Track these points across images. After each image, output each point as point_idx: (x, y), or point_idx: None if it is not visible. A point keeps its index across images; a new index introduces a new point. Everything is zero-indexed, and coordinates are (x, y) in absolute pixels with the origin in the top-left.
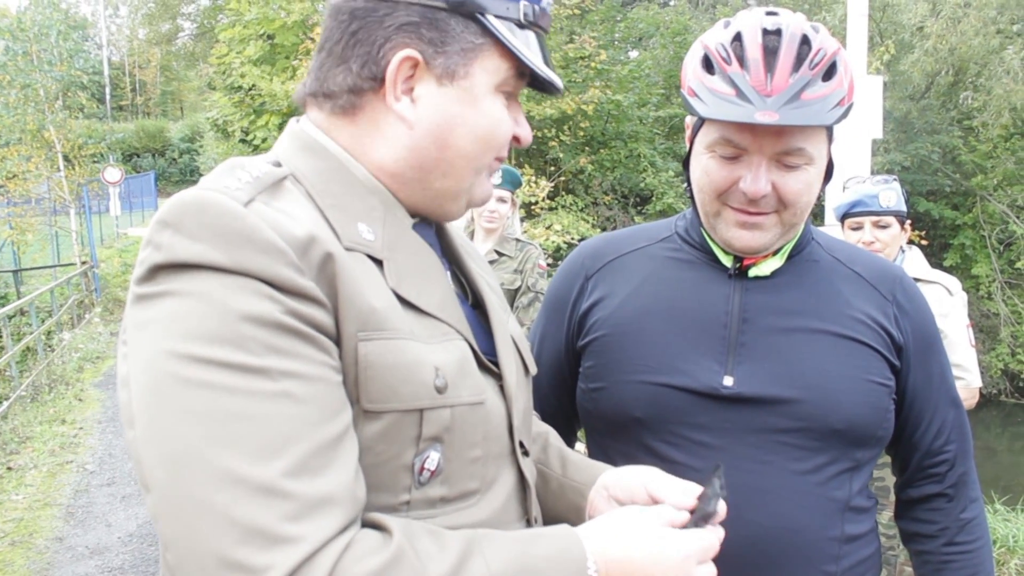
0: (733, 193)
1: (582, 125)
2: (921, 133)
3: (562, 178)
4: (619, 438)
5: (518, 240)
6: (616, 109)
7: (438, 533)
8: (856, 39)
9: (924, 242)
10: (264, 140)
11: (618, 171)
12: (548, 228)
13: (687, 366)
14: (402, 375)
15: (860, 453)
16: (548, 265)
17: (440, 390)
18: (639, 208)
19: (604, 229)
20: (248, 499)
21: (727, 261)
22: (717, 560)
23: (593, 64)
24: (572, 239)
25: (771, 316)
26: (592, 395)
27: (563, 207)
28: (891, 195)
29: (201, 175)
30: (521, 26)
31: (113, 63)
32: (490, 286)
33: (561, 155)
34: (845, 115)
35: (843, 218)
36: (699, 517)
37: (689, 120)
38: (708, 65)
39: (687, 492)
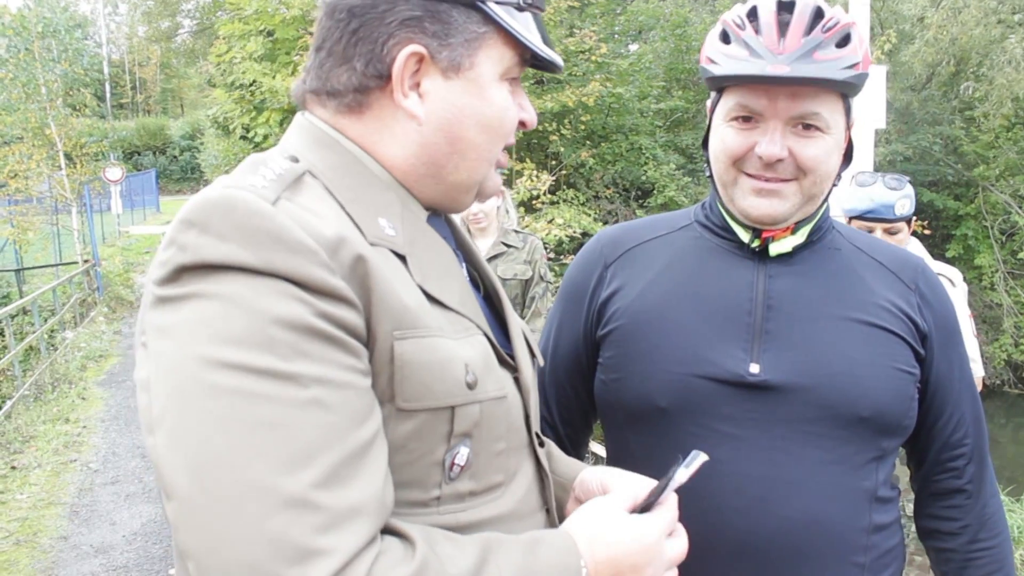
0: (749, 159)
1: (583, 119)
2: (922, 124)
3: (563, 172)
4: (641, 430)
5: (518, 231)
6: (617, 102)
7: (455, 539)
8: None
9: (927, 232)
10: (265, 137)
11: (619, 164)
12: (550, 222)
13: (712, 354)
14: (437, 373)
15: (886, 442)
16: (549, 259)
17: (471, 386)
18: (640, 201)
19: (606, 223)
20: (279, 511)
21: (745, 236)
22: (745, 553)
23: (593, 57)
24: (574, 233)
25: (796, 303)
26: (613, 385)
27: (564, 201)
28: (906, 203)
29: (203, 172)
30: (520, 8)
31: (113, 61)
32: (497, 278)
33: (562, 149)
34: (859, 81)
35: (853, 218)
36: (650, 499)
37: (710, 103)
38: (724, 36)
39: (640, 483)
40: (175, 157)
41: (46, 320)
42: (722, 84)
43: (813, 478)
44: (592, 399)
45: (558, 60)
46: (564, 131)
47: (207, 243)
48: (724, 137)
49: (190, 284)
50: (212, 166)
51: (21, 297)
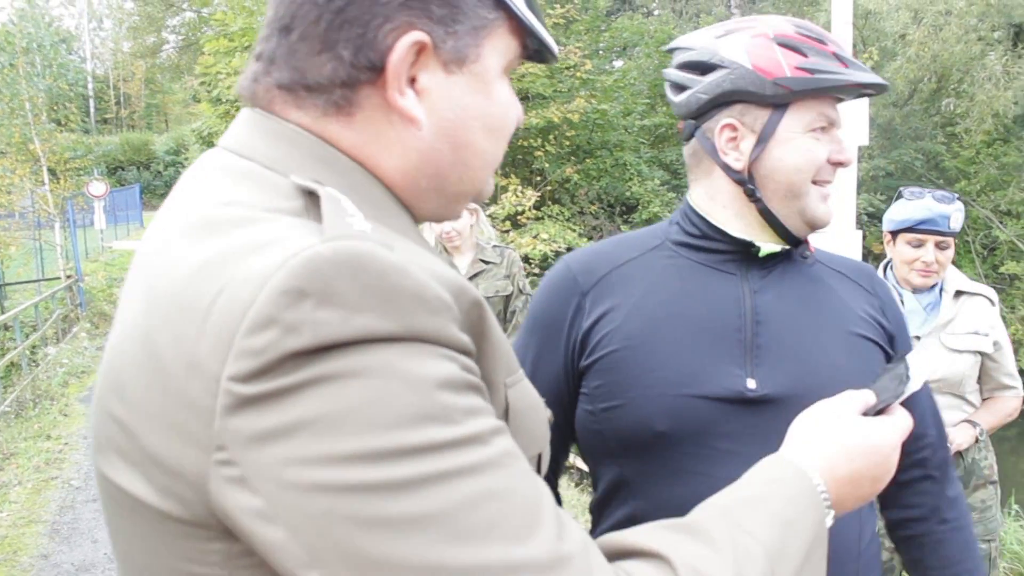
0: (824, 168)
1: (568, 134)
2: (905, 139)
3: (548, 188)
4: (637, 457)
5: (495, 246)
6: (602, 118)
7: (693, 529)
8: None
9: None
10: None
11: (604, 180)
12: (535, 237)
13: (709, 373)
14: (535, 417)
15: None
16: (534, 274)
17: (550, 422)
18: (625, 217)
19: (591, 238)
20: None
21: (770, 247)
22: None
23: (578, 74)
24: (559, 248)
25: (781, 316)
26: (605, 415)
27: (549, 217)
28: (960, 216)
29: None
30: None
31: (97, 76)
32: None
33: (547, 165)
34: None
35: (900, 231)
36: (886, 400)
37: (738, 120)
38: (798, 50)
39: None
40: (159, 172)
41: (28, 336)
42: (818, 93)
43: None
44: (571, 430)
45: (556, 49)
46: (549, 147)
47: (334, 318)
48: (810, 148)
49: (309, 368)
50: None
51: (2, 313)
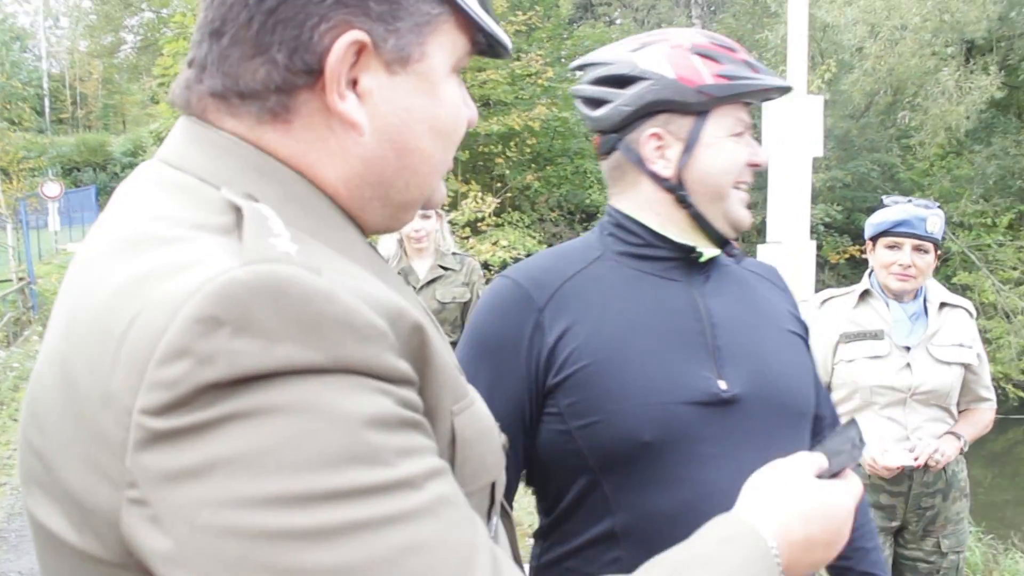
0: (745, 171)
1: (529, 142)
2: (861, 151)
3: (508, 194)
4: (620, 470)
5: (455, 253)
6: (563, 126)
7: None
8: (796, 58)
9: (865, 257)
10: None
11: (564, 188)
12: (494, 244)
13: (685, 379)
14: (487, 443)
15: (808, 438)
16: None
17: (505, 448)
18: (585, 224)
19: (551, 245)
20: None
21: (706, 248)
22: None
23: (540, 81)
24: (519, 255)
25: (730, 318)
26: (583, 432)
27: (509, 223)
28: (938, 221)
29: None
30: None
31: (53, 75)
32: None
33: (507, 171)
34: None
35: (879, 235)
36: (840, 464)
37: (663, 129)
38: (713, 58)
39: (810, 455)
40: (116, 174)
41: None
42: (734, 100)
43: None
44: (527, 454)
45: (509, 43)
46: (510, 154)
47: (252, 348)
48: (732, 151)
49: (226, 403)
50: None
51: None
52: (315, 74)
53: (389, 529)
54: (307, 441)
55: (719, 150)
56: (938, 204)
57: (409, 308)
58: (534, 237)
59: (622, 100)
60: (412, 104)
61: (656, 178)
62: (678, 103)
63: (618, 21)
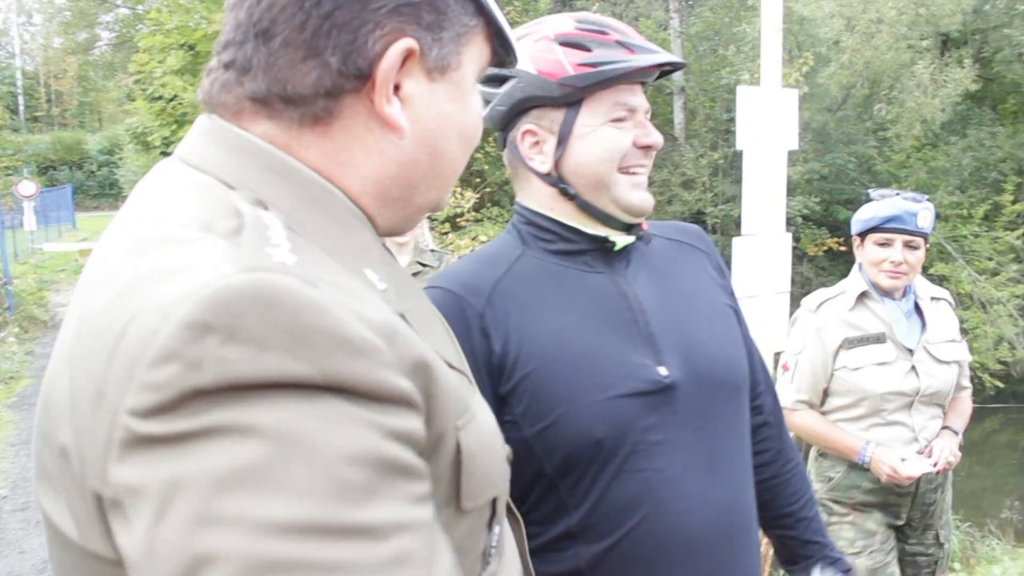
0: (630, 154)
1: None
2: (838, 143)
3: (487, 189)
4: (574, 472)
5: (433, 251)
6: None
7: None
8: (770, 52)
9: (843, 249)
10: None
11: None
12: (474, 239)
13: (627, 370)
14: (491, 457)
15: (747, 410)
16: None
17: (509, 460)
18: None
19: None
20: None
21: (619, 237)
22: (691, 548)
23: None
24: None
25: (656, 301)
26: (540, 437)
27: (488, 219)
28: (929, 215)
29: (121, 188)
30: None
31: (27, 73)
32: None
33: (486, 167)
34: None
35: (868, 231)
36: None
37: (536, 125)
38: (580, 46)
39: None
40: (92, 172)
41: None
42: (606, 84)
43: (730, 456)
44: None
45: (519, 54)
46: (489, 148)
47: (240, 356)
48: (609, 138)
49: (210, 414)
50: (131, 182)
51: None
52: (364, 78)
53: (337, 573)
54: (278, 466)
55: (593, 139)
56: (925, 196)
57: (405, 328)
58: None
59: (497, 99)
60: (447, 110)
61: (537, 173)
62: (544, 98)
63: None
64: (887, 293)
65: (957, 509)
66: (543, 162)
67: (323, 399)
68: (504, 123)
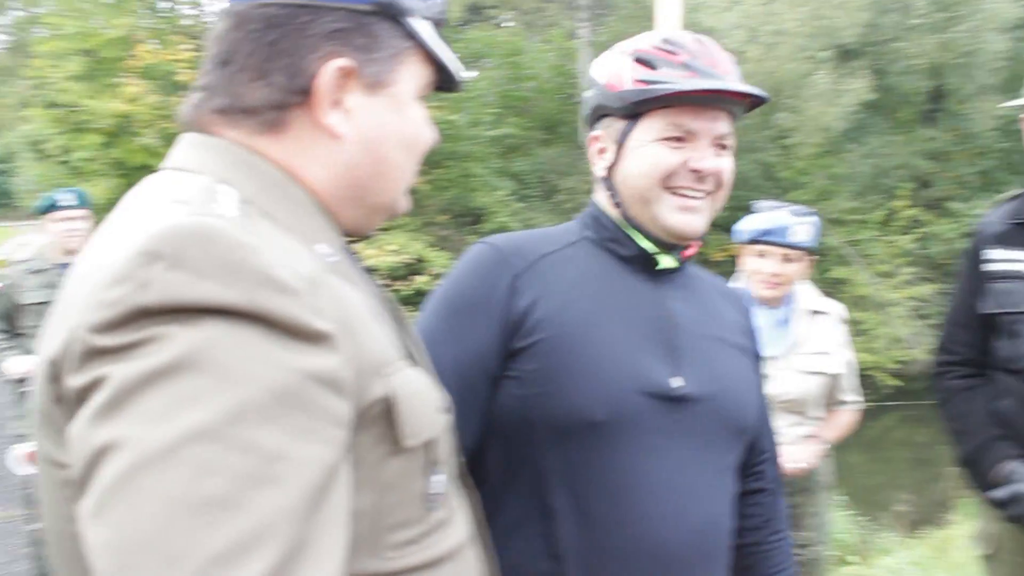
0: (680, 175)
1: None
2: (742, 151)
3: None
4: (567, 446)
5: None
6: (450, 128)
7: None
8: None
9: None
10: (91, 160)
11: (452, 191)
12: (381, 248)
13: (642, 369)
14: (425, 403)
15: (743, 453)
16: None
17: (446, 410)
18: (473, 227)
19: (442, 249)
20: None
21: (664, 258)
22: (661, 559)
23: None
24: (408, 259)
25: (688, 321)
26: (535, 400)
27: (398, 227)
28: (806, 230)
29: (13, 198)
30: (436, 24)
31: None
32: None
33: None
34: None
35: (746, 242)
36: None
37: (604, 132)
38: (647, 63)
39: None
40: None
41: None
42: (664, 103)
43: (713, 485)
44: (487, 418)
45: (464, 77)
46: None
47: (180, 280)
48: (656, 155)
49: (151, 328)
50: (28, 192)
51: None
52: (307, 93)
53: (219, 479)
54: (189, 378)
55: (641, 153)
56: (812, 211)
57: (330, 281)
58: (422, 240)
59: (584, 105)
60: (386, 120)
61: (597, 177)
62: (609, 108)
63: (503, 25)
64: (764, 302)
65: (855, 504)
66: (601, 167)
67: (246, 328)
68: (590, 125)
